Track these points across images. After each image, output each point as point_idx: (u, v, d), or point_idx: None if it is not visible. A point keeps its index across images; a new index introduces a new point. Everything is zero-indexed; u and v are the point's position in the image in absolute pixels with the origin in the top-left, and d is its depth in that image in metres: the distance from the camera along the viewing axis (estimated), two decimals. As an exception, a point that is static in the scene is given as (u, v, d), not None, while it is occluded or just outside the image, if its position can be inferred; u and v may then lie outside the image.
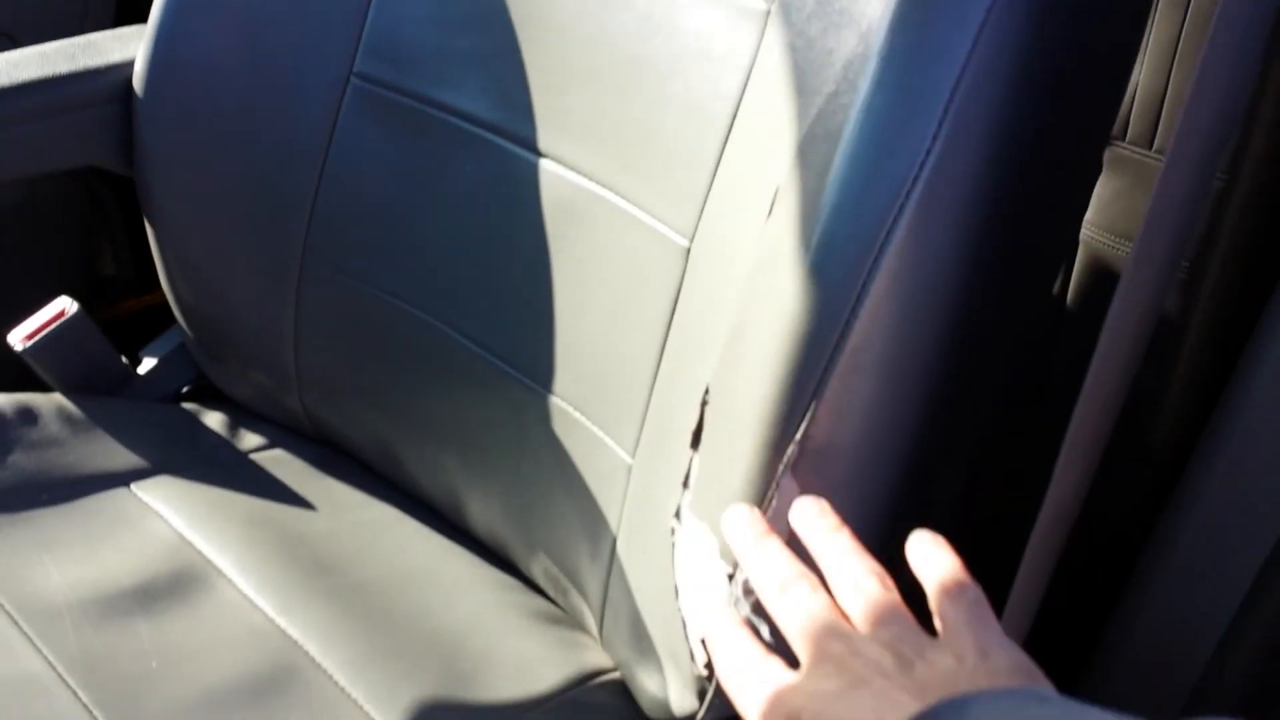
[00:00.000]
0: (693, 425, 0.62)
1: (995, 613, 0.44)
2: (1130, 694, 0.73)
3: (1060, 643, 0.73)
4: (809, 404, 0.55)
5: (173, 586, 0.78)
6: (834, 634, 0.44)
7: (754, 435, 0.57)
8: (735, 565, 0.59)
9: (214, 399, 1.00)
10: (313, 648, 0.75)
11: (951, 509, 0.75)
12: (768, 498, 0.57)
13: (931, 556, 0.47)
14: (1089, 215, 0.80)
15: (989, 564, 0.54)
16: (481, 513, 0.86)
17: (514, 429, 0.80)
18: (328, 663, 0.74)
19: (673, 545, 0.65)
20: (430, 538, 0.89)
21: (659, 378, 0.68)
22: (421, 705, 0.72)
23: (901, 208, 0.53)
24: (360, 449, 0.94)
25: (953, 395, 0.64)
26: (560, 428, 0.76)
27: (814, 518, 0.51)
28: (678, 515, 0.64)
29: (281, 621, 0.77)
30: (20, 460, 0.85)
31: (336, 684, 0.73)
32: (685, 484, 0.63)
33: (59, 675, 0.68)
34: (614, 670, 0.79)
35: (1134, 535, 0.74)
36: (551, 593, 0.85)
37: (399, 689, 0.73)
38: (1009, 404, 0.75)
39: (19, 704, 0.65)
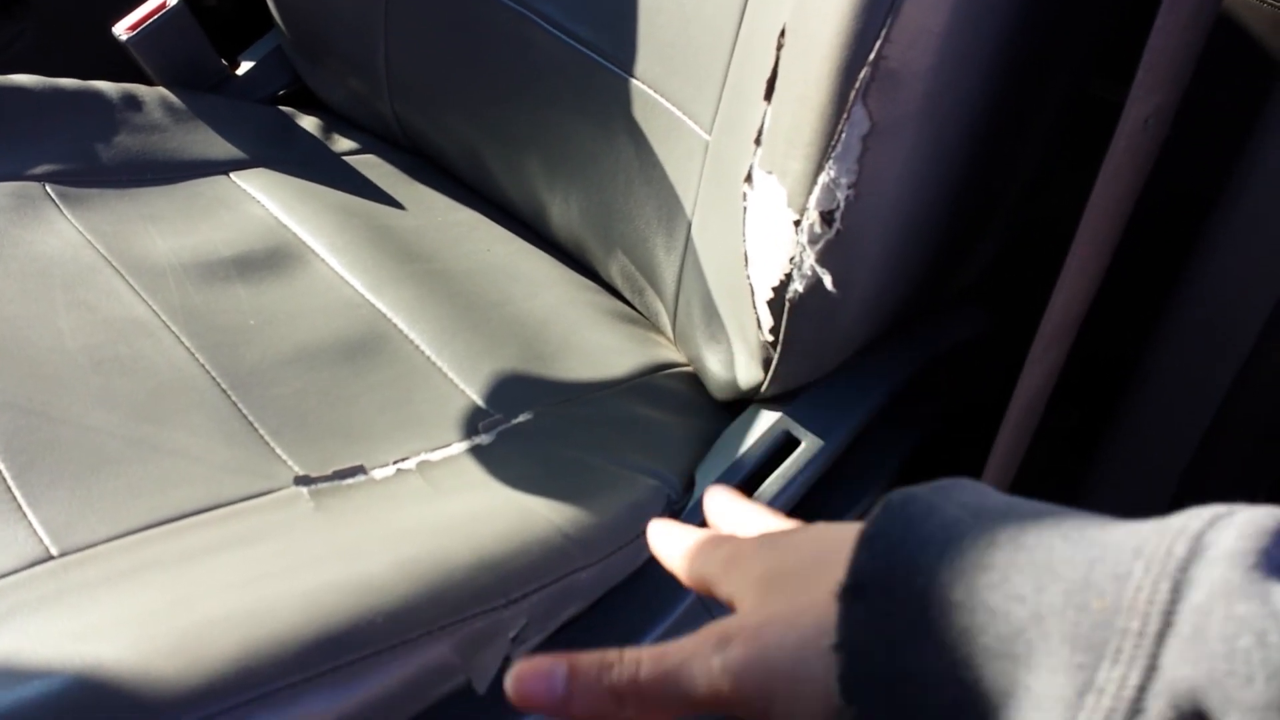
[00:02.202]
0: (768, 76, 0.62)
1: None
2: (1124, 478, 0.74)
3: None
4: (885, 18, 0.54)
5: (269, 260, 0.82)
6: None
7: (828, 60, 0.57)
8: (802, 210, 0.60)
9: (309, 104, 1.02)
10: (401, 321, 0.78)
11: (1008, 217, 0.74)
12: (837, 131, 0.58)
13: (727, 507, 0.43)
14: None
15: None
16: (561, 215, 0.88)
17: (595, 120, 0.80)
18: (414, 334, 0.78)
19: (743, 211, 0.66)
20: (512, 240, 0.92)
21: (739, 37, 0.67)
22: (501, 376, 0.76)
23: None
24: (447, 156, 0.96)
25: (1024, 70, 0.63)
26: (640, 112, 0.77)
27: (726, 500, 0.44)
28: (749, 179, 0.65)
29: (371, 297, 0.80)
30: (125, 141, 0.89)
31: (423, 352, 0.77)
32: (757, 141, 0.63)
33: (163, 321, 0.73)
34: (686, 365, 0.82)
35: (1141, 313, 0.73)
36: (627, 293, 0.87)
37: (481, 361, 0.77)
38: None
39: (126, 341, 0.70)
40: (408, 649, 0.54)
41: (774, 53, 0.62)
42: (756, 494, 0.70)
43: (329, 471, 0.65)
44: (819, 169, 0.60)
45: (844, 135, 0.58)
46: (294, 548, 0.58)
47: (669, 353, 0.83)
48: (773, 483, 0.70)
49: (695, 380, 0.81)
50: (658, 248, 0.80)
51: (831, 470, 0.71)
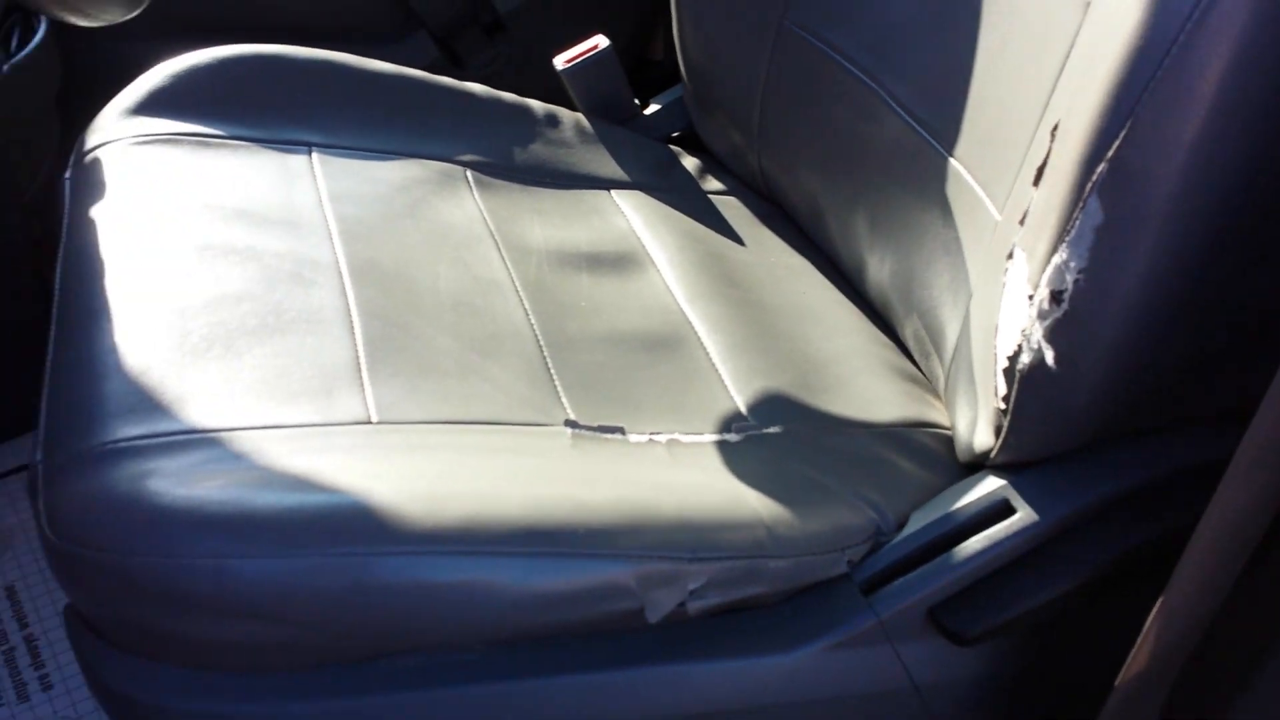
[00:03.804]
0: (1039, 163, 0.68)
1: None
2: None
3: None
4: (1126, 119, 0.60)
5: (616, 262, 0.97)
6: None
7: (1074, 152, 0.63)
8: (1036, 286, 0.66)
9: (694, 148, 1.18)
10: (702, 330, 0.91)
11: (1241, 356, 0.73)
12: (1073, 218, 0.63)
13: None
14: None
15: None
16: (876, 274, 0.97)
17: (915, 193, 0.89)
18: (709, 343, 0.90)
19: (1003, 287, 0.72)
20: (830, 289, 1.02)
21: (1038, 131, 0.74)
22: (768, 394, 0.86)
23: None
24: (795, 207, 1.08)
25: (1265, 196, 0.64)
26: (951, 189, 0.85)
27: None
28: (1010, 256, 0.71)
29: (685, 307, 0.93)
30: (538, 150, 1.08)
31: (710, 359, 0.89)
32: (1021, 222, 0.70)
33: (516, 288, 0.90)
34: (949, 430, 0.88)
35: None
36: (916, 355, 0.94)
37: (756, 378, 0.87)
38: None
39: (484, 295, 0.88)
40: (595, 561, 0.65)
41: (1048, 143, 0.69)
42: (958, 549, 0.75)
43: (594, 424, 0.78)
44: (1054, 250, 0.66)
45: (1078, 223, 0.64)
46: (542, 466, 0.72)
47: (937, 415, 0.89)
48: (976, 541, 0.74)
49: (951, 445, 0.87)
50: (947, 318, 0.87)
51: (1037, 550, 0.75)
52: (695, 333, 0.91)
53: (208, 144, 0.93)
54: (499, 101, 1.10)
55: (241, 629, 0.64)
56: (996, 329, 0.74)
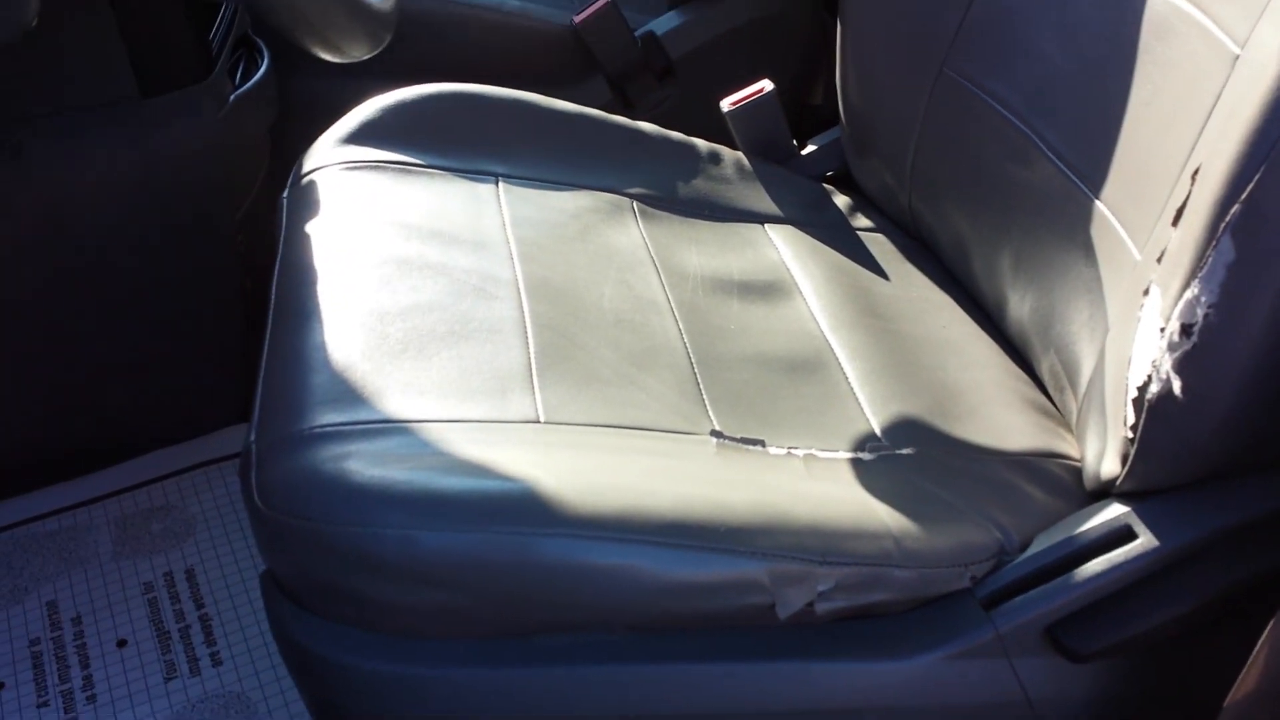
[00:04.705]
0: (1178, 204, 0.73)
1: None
2: None
3: None
4: (1261, 164, 0.64)
5: (764, 290, 1.05)
6: None
7: (1211, 192, 0.67)
8: (1168, 319, 0.71)
9: (847, 187, 1.25)
10: (843, 356, 0.97)
11: None
12: (1205, 255, 0.68)
13: None
14: None
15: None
16: (1016, 310, 1.01)
17: (1062, 234, 0.94)
18: (849, 368, 0.96)
19: (1138, 321, 0.76)
20: (969, 324, 1.06)
21: (1182, 176, 0.78)
22: (903, 418, 0.92)
23: None
24: (941, 246, 1.13)
25: None
26: (1096, 231, 0.89)
27: None
28: (1146, 292, 0.75)
29: (828, 334, 1.00)
30: (699, 184, 1.17)
31: (849, 383, 0.95)
32: (1159, 260, 0.74)
33: (672, 308, 0.98)
34: (1079, 461, 0.92)
35: None
36: (1051, 390, 0.98)
37: (892, 403, 0.93)
38: None
39: (643, 313, 0.96)
40: (733, 557, 0.72)
41: (1189, 185, 0.73)
42: (1079, 570, 0.79)
43: (738, 436, 0.85)
44: (1186, 286, 0.70)
45: (1211, 260, 0.68)
46: (689, 469, 0.79)
47: (1068, 447, 0.93)
48: (1097, 564, 0.78)
49: (1080, 476, 0.90)
50: (1083, 353, 0.91)
51: (1156, 575, 0.78)
52: (836, 358, 0.97)
53: (408, 171, 1.04)
54: (666, 139, 1.19)
55: (419, 594, 0.74)
56: (1129, 362, 0.78)
